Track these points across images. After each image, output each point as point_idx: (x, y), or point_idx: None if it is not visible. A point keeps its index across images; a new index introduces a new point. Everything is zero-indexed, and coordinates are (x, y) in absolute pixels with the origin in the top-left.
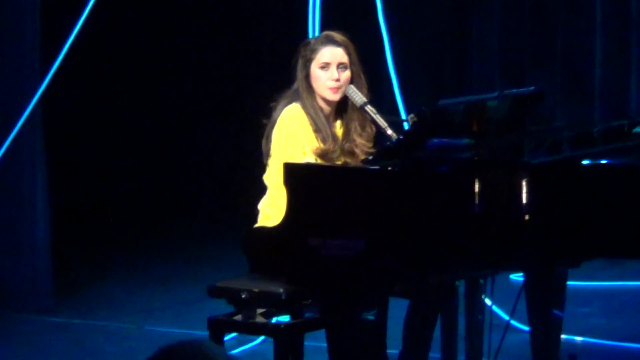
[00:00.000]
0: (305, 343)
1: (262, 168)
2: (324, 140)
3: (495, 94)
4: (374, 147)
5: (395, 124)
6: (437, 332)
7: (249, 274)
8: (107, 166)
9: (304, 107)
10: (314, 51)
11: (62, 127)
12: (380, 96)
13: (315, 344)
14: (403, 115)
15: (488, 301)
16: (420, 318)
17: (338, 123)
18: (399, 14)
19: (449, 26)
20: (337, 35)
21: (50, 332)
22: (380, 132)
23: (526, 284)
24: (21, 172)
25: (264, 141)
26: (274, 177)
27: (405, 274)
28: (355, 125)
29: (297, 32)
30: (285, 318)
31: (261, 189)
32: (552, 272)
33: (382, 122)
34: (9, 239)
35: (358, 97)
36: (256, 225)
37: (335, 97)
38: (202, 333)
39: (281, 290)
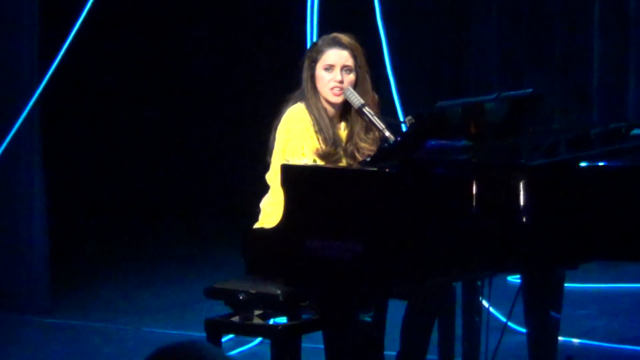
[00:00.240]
0: (303, 345)
1: (266, 167)
2: (325, 141)
3: (493, 96)
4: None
5: (393, 126)
6: (434, 334)
7: (247, 276)
8: (104, 167)
9: (308, 108)
10: (319, 52)
11: (60, 128)
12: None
13: (313, 345)
14: (401, 117)
15: (485, 303)
16: (418, 320)
17: (342, 125)
18: (397, 17)
19: (447, 28)
20: (345, 38)
21: (47, 334)
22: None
23: (523, 285)
24: (19, 173)
25: (270, 140)
26: (275, 176)
27: (402, 276)
28: (358, 129)
29: (296, 35)
30: (282, 319)
31: (259, 190)
32: (549, 274)
33: (379, 124)
34: (6, 240)
35: (356, 99)
36: (257, 223)
37: (337, 99)
38: (200, 334)
39: (279, 291)
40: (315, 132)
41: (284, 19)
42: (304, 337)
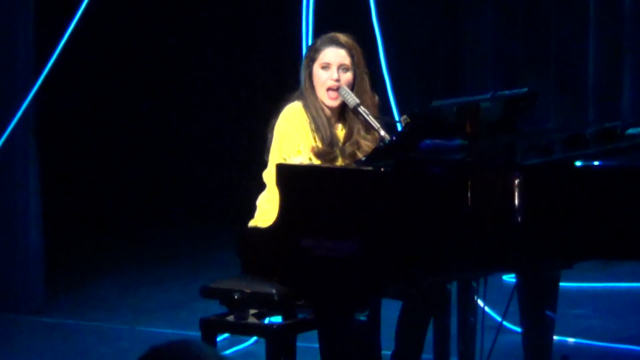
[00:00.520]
0: (298, 344)
1: (263, 165)
2: (322, 140)
3: (489, 95)
4: None
5: (388, 125)
6: (429, 334)
7: (242, 275)
8: (99, 167)
9: (306, 106)
10: (317, 51)
11: (55, 129)
12: None
13: (308, 344)
14: (396, 116)
15: (480, 302)
16: (413, 319)
17: (340, 125)
18: (393, 16)
19: (442, 27)
20: (342, 37)
21: (42, 333)
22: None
23: (518, 285)
24: (13, 174)
25: (268, 139)
26: (272, 174)
27: (398, 275)
28: (359, 127)
29: (291, 35)
30: (277, 319)
31: (255, 189)
32: (544, 273)
33: (375, 123)
34: (1, 239)
35: (351, 98)
36: (252, 220)
37: (333, 103)
38: (195, 333)
39: (274, 291)
40: (312, 130)
41: (279, 19)
42: (299, 337)
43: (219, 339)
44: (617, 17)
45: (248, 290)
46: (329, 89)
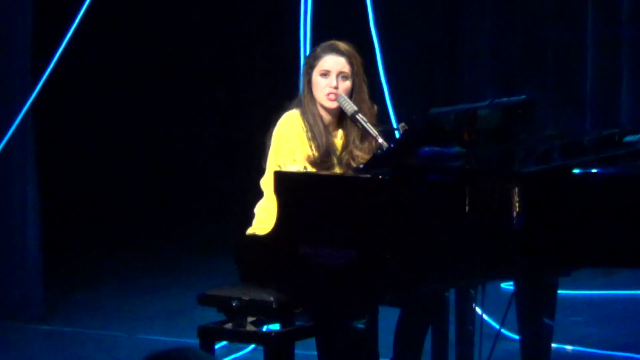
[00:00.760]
0: (296, 351)
1: (260, 172)
2: (318, 149)
3: (487, 102)
4: None
5: (386, 133)
6: (427, 341)
7: (240, 282)
8: (97, 174)
9: (303, 114)
10: (316, 58)
11: (53, 135)
12: None
13: (306, 352)
14: (394, 124)
15: (479, 310)
16: (411, 327)
17: (339, 133)
18: (391, 23)
19: (440, 35)
20: (342, 45)
21: (40, 341)
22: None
23: (517, 292)
24: (11, 180)
25: (266, 146)
26: (268, 182)
27: (396, 283)
28: (354, 137)
29: (288, 41)
30: (275, 326)
31: (253, 196)
32: (542, 281)
33: (373, 131)
34: (0, 248)
35: (349, 105)
36: (250, 228)
37: (332, 104)
38: (193, 341)
39: (272, 298)
40: (308, 139)
41: (277, 28)
42: (298, 344)
43: (217, 346)
44: (616, 23)
45: (246, 298)
46: (327, 95)
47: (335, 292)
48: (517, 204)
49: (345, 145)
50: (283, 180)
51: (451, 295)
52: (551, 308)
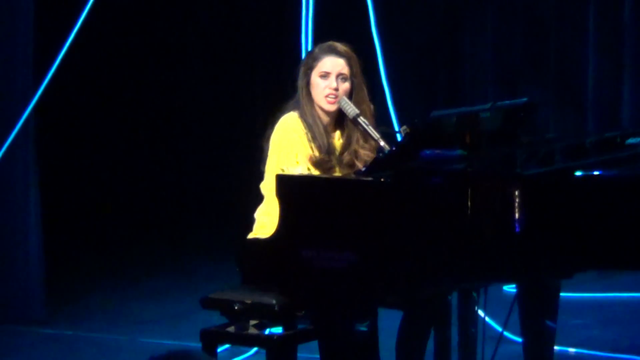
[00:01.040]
0: (299, 354)
1: (260, 176)
2: (319, 149)
3: (488, 105)
4: None
5: (388, 136)
6: (430, 345)
7: (242, 286)
8: (100, 177)
9: (302, 115)
10: (315, 59)
11: (55, 139)
12: None
13: (308, 355)
14: (396, 127)
15: (481, 313)
16: (414, 330)
17: (337, 134)
18: (392, 26)
19: (441, 38)
20: (341, 46)
21: (43, 344)
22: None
23: (519, 295)
24: (14, 183)
25: (264, 149)
26: (269, 186)
27: (398, 285)
28: (357, 137)
29: (290, 43)
30: (278, 329)
31: (254, 199)
32: (545, 283)
33: (374, 134)
34: (1, 250)
35: (350, 108)
36: (251, 233)
37: (331, 107)
38: (195, 344)
39: (274, 301)
40: (309, 140)
41: (278, 29)
42: (300, 347)
43: (219, 349)
44: (617, 26)
45: (248, 301)
46: (327, 97)
47: (337, 295)
48: (519, 207)
49: (346, 146)
50: (285, 183)
51: (454, 298)
52: (554, 311)
